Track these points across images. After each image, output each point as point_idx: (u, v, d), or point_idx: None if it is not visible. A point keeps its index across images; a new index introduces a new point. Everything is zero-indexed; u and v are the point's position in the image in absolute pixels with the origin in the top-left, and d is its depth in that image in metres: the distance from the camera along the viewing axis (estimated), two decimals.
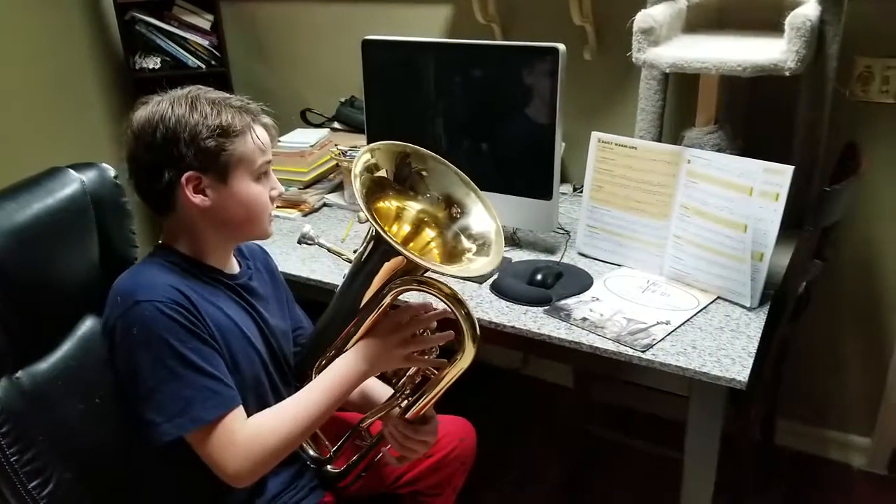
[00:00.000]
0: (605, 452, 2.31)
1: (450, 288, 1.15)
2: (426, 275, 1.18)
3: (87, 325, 1.36)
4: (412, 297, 1.41)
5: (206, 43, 2.70)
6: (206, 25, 2.70)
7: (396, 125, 1.94)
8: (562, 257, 1.79)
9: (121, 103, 2.91)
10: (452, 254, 1.23)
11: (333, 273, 1.73)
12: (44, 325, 1.27)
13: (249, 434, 1.12)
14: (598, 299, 1.57)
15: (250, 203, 1.21)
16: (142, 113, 1.17)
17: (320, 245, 1.33)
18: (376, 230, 1.10)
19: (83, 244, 1.35)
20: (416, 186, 1.26)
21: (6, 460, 1.13)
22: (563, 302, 1.56)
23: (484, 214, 1.25)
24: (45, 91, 2.66)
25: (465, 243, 1.24)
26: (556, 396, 2.62)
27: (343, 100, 2.55)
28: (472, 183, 1.27)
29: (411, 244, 1.25)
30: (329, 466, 1.41)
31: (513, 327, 1.49)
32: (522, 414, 2.58)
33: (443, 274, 1.16)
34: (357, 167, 1.16)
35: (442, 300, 1.15)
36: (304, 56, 2.76)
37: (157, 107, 1.16)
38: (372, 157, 1.21)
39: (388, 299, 1.19)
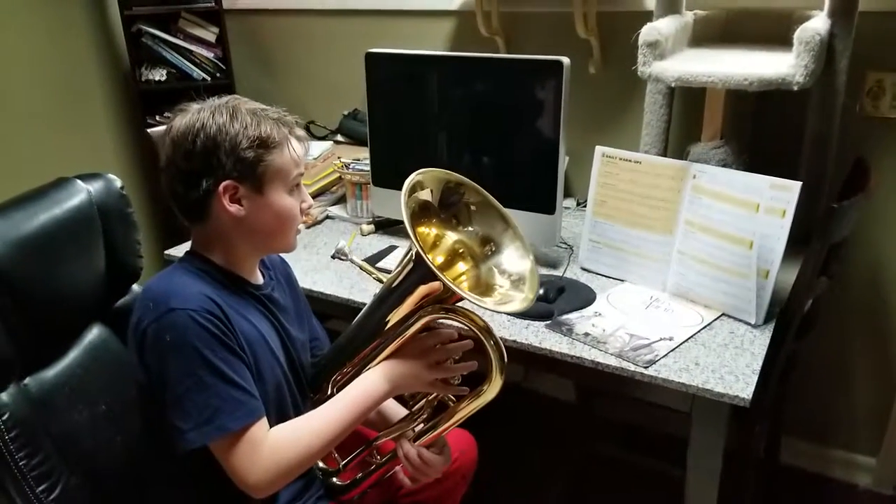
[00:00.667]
0: (607, 468, 2.28)
1: (483, 320, 1.15)
2: (458, 305, 1.17)
3: (94, 332, 1.40)
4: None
5: (211, 55, 2.71)
6: (212, 38, 2.72)
7: (400, 138, 1.94)
8: (564, 272, 1.78)
9: (127, 114, 2.92)
10: (484, 287, 1.22)
11: (334, 284, 1.72)
12: (51, 333, 1.30)
13: (272, 445, 1.13)
14: (600, 314, 1.56)
15: (283, 215, 1.22)
16: (181, 121, 1.17)
17: (352, 262, 1.32)
18: (417, 252, 1.09)
19: (90, 254, 1.38)
20: (460, 217, 1.25)
21: (15, 465, 1.16)
22: (565, 317, 1.55)
23: (520, 253, 1.24)
24: (53, 102, 2.67)
25: (498, 279, 1.23)
26: (557, 411, 2.59)
27: (346, 112, 2.55)
28: (510, 218, 1.26)
29: (444, 273, 1.24)
30: (335, 479, 1.41)
31: (514, 341, 1.48)
32: (523, 428, 2.55)
33: (479, 305, 1.14)
34: (407, 186, 1.15)
35: (474, 331, 1.15)
36: (308, 69, 2.76)
37: (198, 115, 1.16)
38: (422, 177, 1.20)
39: (418, 324, 1.18)
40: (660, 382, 1.35)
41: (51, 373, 1.28)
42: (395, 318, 1.21)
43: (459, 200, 1.25)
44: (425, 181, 1.20)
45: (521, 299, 1.18)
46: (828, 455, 2.26)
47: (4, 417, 1.15)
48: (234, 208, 1.17)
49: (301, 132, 1.25)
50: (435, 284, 1.13)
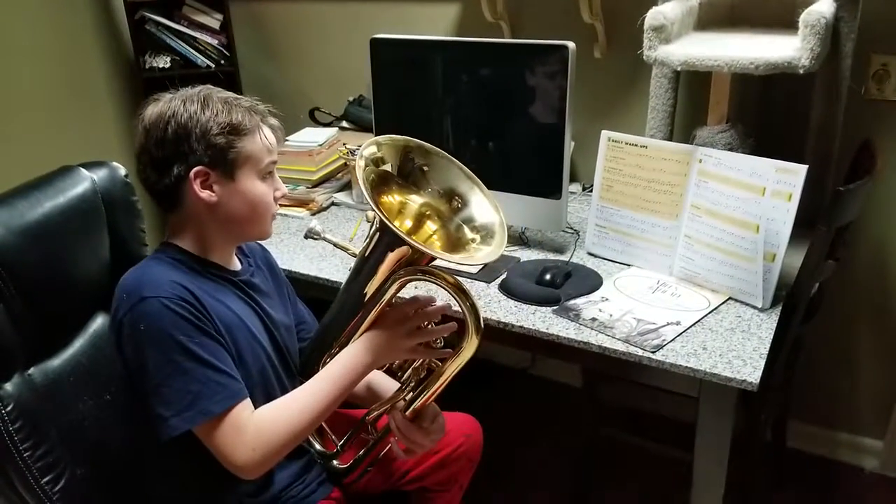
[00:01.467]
0: (614, 453, 2.29)
1: (454, 278, 1.16)
2: (431, 266, 1.18)
3: (98, 322, 1.39)
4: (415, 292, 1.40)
5: (215, 42, 2.71)
6: (216, 25, 2.71)
7: (405, 124, 1.92)
8: (571, 257, 1.78)
9: (131, 102, 2.92)
10: (455, 245, 1.24)
11: (340, 271, 1.72)
12: (55, 323, 1.29)
13: (257, 425, 1.14)
14: (607, 299, 1.56)
15: (255, 201, 1.23)
16: (153, 109, 1.19)
17: (326, 240, 1.33)
18: (381, 220, 1.11)
19: (94, 242, 1.37)
20: (419, 182, 1.27)
21: (20, 455, 1.16)
22: (571, 302, 1.55)
23: (487, 206, 1.26)
24: (56, 90, 2.67)
25: (469, 234, 1.24)
26: (564, 396, 2.60)
27: (351, 99, 2.55)
28: (475, 177, 1.28)
29: (414, 237, 1.25)
30: (335, 462, 1.42)
31: (521, 327, 1.48)
32: (530, 414, 2.57)
33: (447, 261, 1.17)
34: (363, 156, 1.18)
35: (446, 290, 1.16)
36: (313, 55, 2.76)
37: (170, 104, 1.19)
38: (378, 150, 1.22)
39: (392, 290, 1.19)
40: (667, 367, 1.35)
41: (55, 363, 1.28)
42: (371, 288, 1.22)
43: (413, 165, 1.26)
44: (382, 153, 1.23)
45: (489, 251, 1.19)
46: (834, 438, 2.26)
47: (9, 408, 1.15)
48: (205, 194, 1.19)
49: (274, 121, 1.27)
50: (403, 249, 1.15)
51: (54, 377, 1.26)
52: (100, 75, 2.82)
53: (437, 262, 1.19)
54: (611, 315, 1.49)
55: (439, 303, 1.24)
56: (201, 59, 2.70)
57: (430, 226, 1.27)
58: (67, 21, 2.67)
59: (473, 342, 1.17)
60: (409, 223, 1.26)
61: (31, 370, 1.23)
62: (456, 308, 1.18)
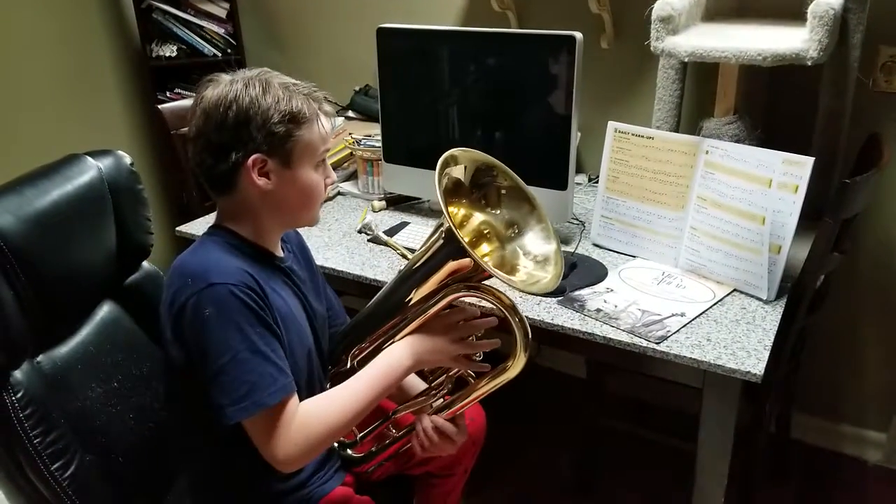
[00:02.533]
0: (618, 443, 2.30)
1: (509, 298, 1.16)
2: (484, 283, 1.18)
3: (105, 310, 1.40)
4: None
5: (221, 31, 2.71)
6: (222, 14, 2.71)
7: (411, 114, 1.94)
8: (576, 248, 1.78)
9: (137, 90, 2.93)
10: (508, 269, 1.23)
11: (345, 261, 1.73)
12: (63, 311, 1.30)
13: (301, 421, 1.14)
14: (612, 290, 1.56)
15: (309, 190, 1.22)
16: (213, 92, 1.17)
17: (377, 238, 1.32)
18: (449, 227, 1.10)
19: (101, 231, 1.37)
20: (489, 198, 1.26)
21: (30, 442, 1.16)
22: (577, 293, 1.55)
23: (545, 235, 1.25)
24: (63, 79, 2.68)
25: (522, 260, 1.24)
26: (568, 387, 2.61)
27: (357, 88, 2.55)
28: (537, 199, 1.27)
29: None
30: (351, 450, 1.42)
31: (526, 317, 1.48)
32: (535, 404, 2.57)
33: (507, 284, 1.15)
34: (441, 162, 1.16)
35: (501, 308, 1.16)
36: (319, 44, 2.76)
37: (230, 86, 1.16)
38: (457, 161, 1.21)
39: (444, 301, 1.19)
40: (671, 358, 1.35)
41: (63, 350, 1.28)
42: (418, 295, 1.22)
43: (491, 182, 1.25)
44: (460, 158, 1.21)
45: (545, 280, 1.19)
46: (838, 430, 2.26)
47: (19, 395, 1.15)
48: (262, 181, 1.17)
49: (329, 108, 1.25)
50: (464, 261, 1.14)
51: (62, 365, 1.27)
52: (106, 64, 2.83)
53: (492, 281, 1.18)
54: (616, 306, 1.49)
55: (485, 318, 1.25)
56: (208, 48, 2.70)
57: (485, 246, 1.26)
58: (74, 10, 2.67)
59: (521, 361, 1.18)
60: (466, 238, 1.25)
61: (40, 358, 1.24)
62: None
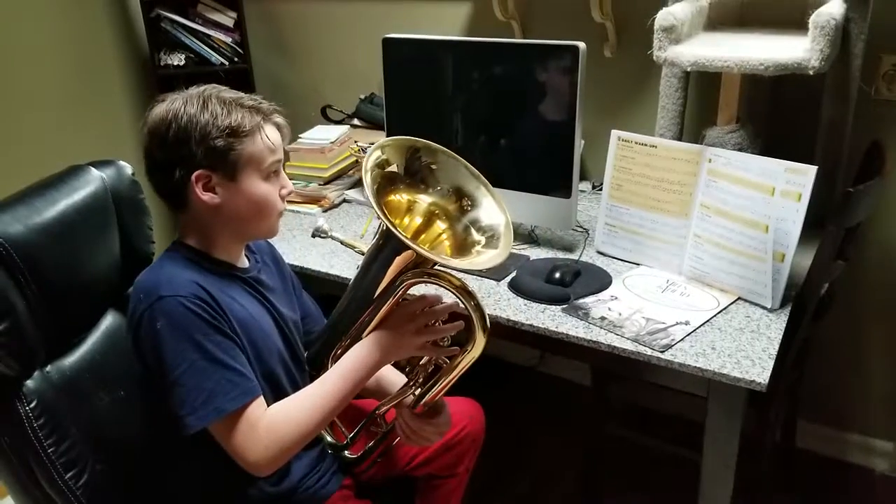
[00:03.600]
0: (622, 452, 2.30)
1: (459, 280, 1.17)
2: (437, 267, 1.20)
3: (109, 319, 1.41)
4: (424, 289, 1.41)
5: (229, 40, 2.73)
6: (230, 23, 2.73)
7: (416, 122, 1.95)
8: (580, 256, 1.79)
9: (146, 100, 2.94)
10: (463, 246, 1.25)
11: (351, 268, 1.73)
12: (71, 320, 1.31)
13: (269, 423, 1.15)
14: (616, 298, 1.57)
15: (259, 201, 1.23)
16: (157, 110, 1.20)
17: (333, 238, 1.34)
18: (386, 226, 1.12)
19: (106, 240, 1.39)
20: (427, 180, 1.28)
21: (44, 452, 1.17)
22: (581, 300, 1.56)
23: (494, 207, 1.27)
24: (71, 88, 2.70)
25: (475, 235, 1.26)
26: (572, 395, 2.61)
27: (363, 96, 2.56)
28: (481, 176, 1.29)
29: (423, 236, 1.27)
30: (346, 452, 1.44)
31: (530, 325, 1.49)
32: (539, 412, 2.58)
33: (451, 267, 1.18)
34: (368, 163, 1.18)
35: (452, 292, 1.17)
36: (325, 53, 2.78)
37: (172, 105, 1.19)
38: (382, 153, 1.23)
39: (400, 291, 1.21)
40: (676, 367, 1.35)
41: (71, 360, 1.29)
42: (379, 289, 1.23)
43: (420, 164, 1.27)
44: (387, 155, 1.23)
45: (493, 255, 1.20)
46: (844, 439, 2.26)
47: (32, 405, 1.17)
48: (207, 196, 1.19)
49: (279, 119, 1.26)
50: (408, 253, 1.16)
51: (71, 374, 1.28)
52: (115, 73, 2.85)
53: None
54: (620, 314, 1.50)
55: (447, 300, 1.25)
56: (215, 57, 2.72)
57: (440, 225, 1.28)
58: (83, 19, 2.69)
59: (480, 341, 1.18)
60: (418, 220, 1.27)
61: (49, 367, 1.25)
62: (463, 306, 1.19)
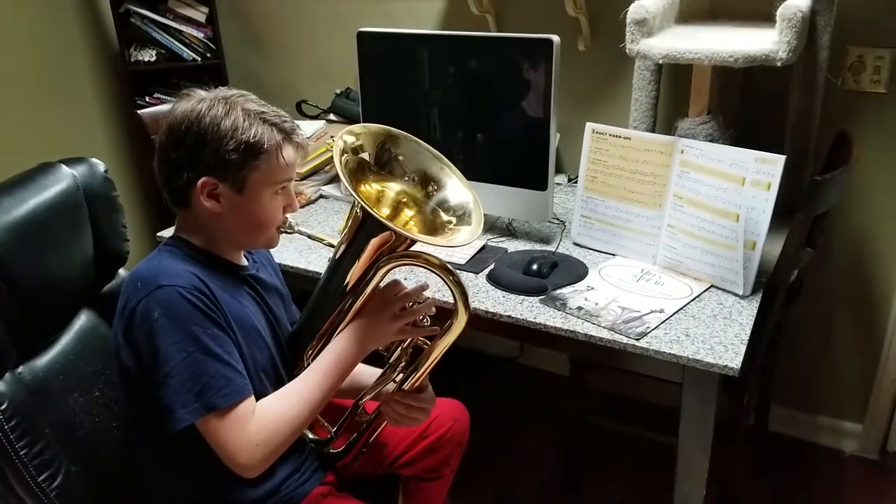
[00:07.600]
0: (601, 439, 2.33)
1: (438, 259, 1.17)
2: (412, 250, 1.20)
3: (83, 319, 1.38)
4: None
5: (201, 35, 2.71)
6: (202, 18, 2.70)
7: (392, 116, 1.93)
8: (557, 247, 1.81)
9: (116, 96, 2.91)
10: (433, 228, 1.25)
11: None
12: (43, 320, 1.28)
13: (258, 422, 1.14)
14: (593, 288, 1.59)
15: (261, 217, 1.22)
16: (181, 106, 1.17)
17: (300, 232, 1.33)
18: (362, 207, 1.12)
19: (78, 239, 1.36)
20: (394, 170, 1.28)
21: (16, 454, 1.15)
22: (558, 291, 1.58)
23: (459, 186, 1.28)
24: (39, 84, 2.66)
25: (444, 216, 1.26)
26: (551, 385, 2.64)
27: (338, 91, 2.56)
28: (443, 157, 1.30)
29: (392, 223, 1.27)
30: (330, 448, 1.43)
31: (509, 317, 1.51)
32: (519, 402, 2.60)
33: (430, 244, 1.18)
34: (340, 143, 1.19)
35: (431, 270, 1.17)
36: (300, 48, 2.76)
37: (197, 104, 1.16)
38: (356, 139, 1.23)
39: (377, 277, 1.20)
40: (651, 354, 1.38)
41: (43, 361, 1.27)
42: (353, 278, 1.23)
43: (388, 155, 1.27)
44: (362, 141, 1.24)
45: (469, 231, 1.21)
46: (815, 422, 2.31)
47: (3, 406, 1.14)
48: (210, 204, 1.18)
49: (300, 138, 1.23)
50: (385, 235, 1.16)
51: (44, 375, 1.25)
52: (85, 69, 2.81)
53: (418, 246, 1.20)
54: (596, 304, 1.52)
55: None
56: (187, 53, 2.70)
57: (407, 212, 1.28)
58: (51, 13, 2.65)
59: (463, 317, 1.18)
60: (386, 211, 1.28)
61: (21, 369, 1.22)
62: (438, 292, 1.19)
